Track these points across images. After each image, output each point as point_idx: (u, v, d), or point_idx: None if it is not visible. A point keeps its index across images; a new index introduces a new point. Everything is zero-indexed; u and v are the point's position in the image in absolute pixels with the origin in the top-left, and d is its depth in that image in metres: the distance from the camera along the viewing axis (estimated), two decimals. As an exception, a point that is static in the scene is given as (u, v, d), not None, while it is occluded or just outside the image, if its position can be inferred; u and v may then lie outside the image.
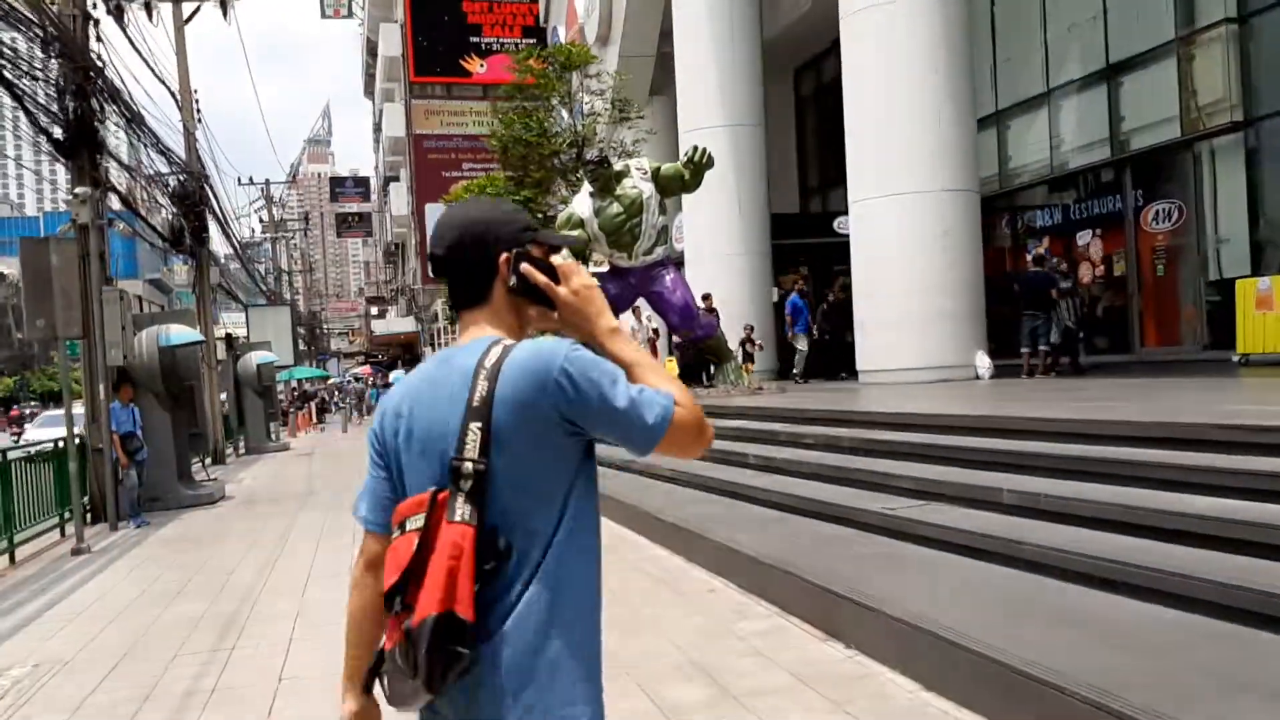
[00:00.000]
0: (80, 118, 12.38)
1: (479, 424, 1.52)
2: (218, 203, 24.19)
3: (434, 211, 37.93)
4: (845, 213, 22.69)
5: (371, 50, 53.79)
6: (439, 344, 32.28)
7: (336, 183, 67.04)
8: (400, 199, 45.55)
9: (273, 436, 27.07)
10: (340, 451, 22.53)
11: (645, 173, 13.32)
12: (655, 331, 19.10)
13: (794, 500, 7.08)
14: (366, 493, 1.79)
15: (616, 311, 14.08)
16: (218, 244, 34.85)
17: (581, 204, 13.22)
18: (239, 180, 49.20)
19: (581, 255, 13.26)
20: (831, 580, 5.07)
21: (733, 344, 15.85)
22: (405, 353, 51.55)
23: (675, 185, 13.46)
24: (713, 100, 19.55)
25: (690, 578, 6.57)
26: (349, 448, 23.79)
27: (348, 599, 1.76)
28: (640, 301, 14.45)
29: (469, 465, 1.52)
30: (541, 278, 1.67)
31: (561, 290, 1.68)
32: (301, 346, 65.81)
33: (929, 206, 13.37)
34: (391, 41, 44.36)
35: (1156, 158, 15.75)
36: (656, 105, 25.26)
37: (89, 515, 11.71)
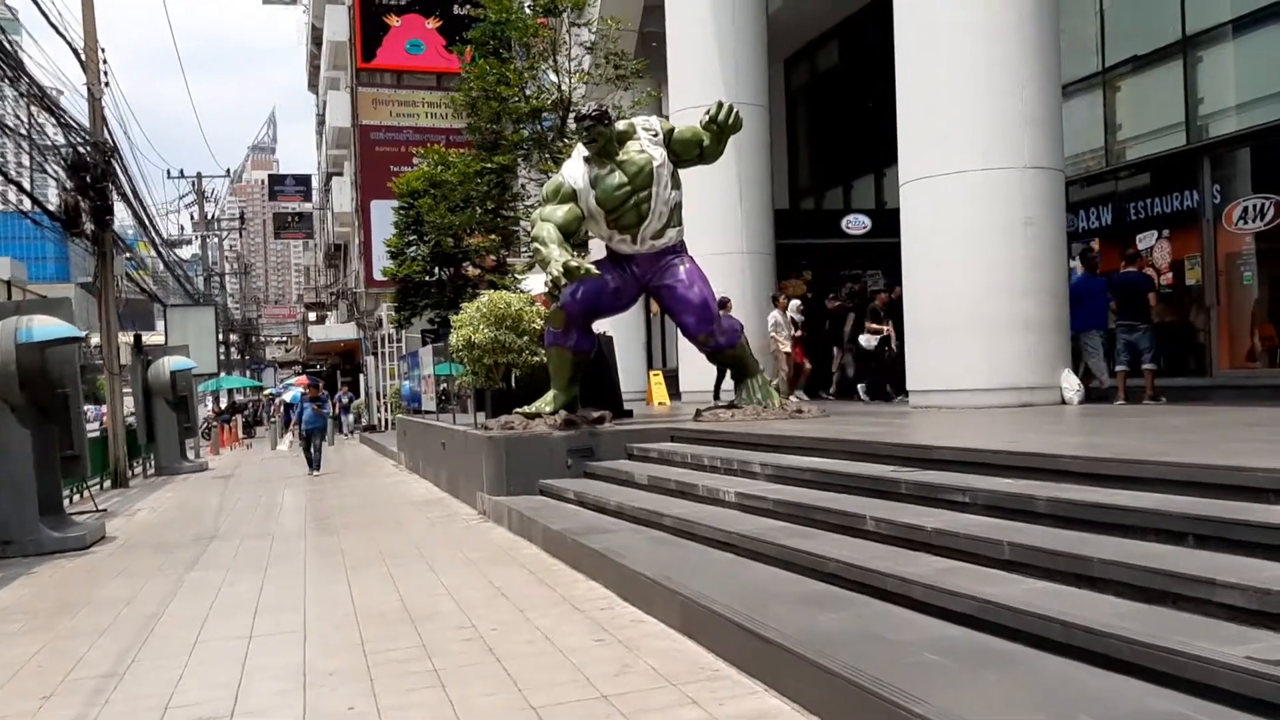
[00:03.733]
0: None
1: None
2: (129, 183, 20.95)
3: (380, 209, 34.70)
4: (846, 212, 20.28)
5: (317, 39, 50.32)
6: (383, 352, 29.04)
7: (276, 180, 63.06)
8: (344, 195, 42.14)
9: (190, 454, 23.75)
10: (265, 475, 19.32)
11: (656, 135, 10.48)
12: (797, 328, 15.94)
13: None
14: None
15: (615, 309, 11.22)
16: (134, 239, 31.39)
17: (575, 171, 10.34)
18: (168, 173, 45.48)
19: (572, 237, 10.37)
20: None
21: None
22: (345, 362, 47.96)
23: (692, 152, 10.65)
24: (711, 75, 16.82)
25: None
26: (276, 470, 20.58)
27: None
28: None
29: None
30: None
31: None
32: (235, 355, 62.09)
33: (1009, 187, 10.68)
34: (338, 25, 40.97)
35: (1245, 144, 13.28)
36: (637, 90, 22.56)
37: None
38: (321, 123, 50.67)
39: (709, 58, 17.03)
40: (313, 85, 56.89)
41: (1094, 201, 15.42)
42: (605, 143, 10.16)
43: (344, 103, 40.50)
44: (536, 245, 9.77)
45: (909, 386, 11.80)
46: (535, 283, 18.35)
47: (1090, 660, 3.40)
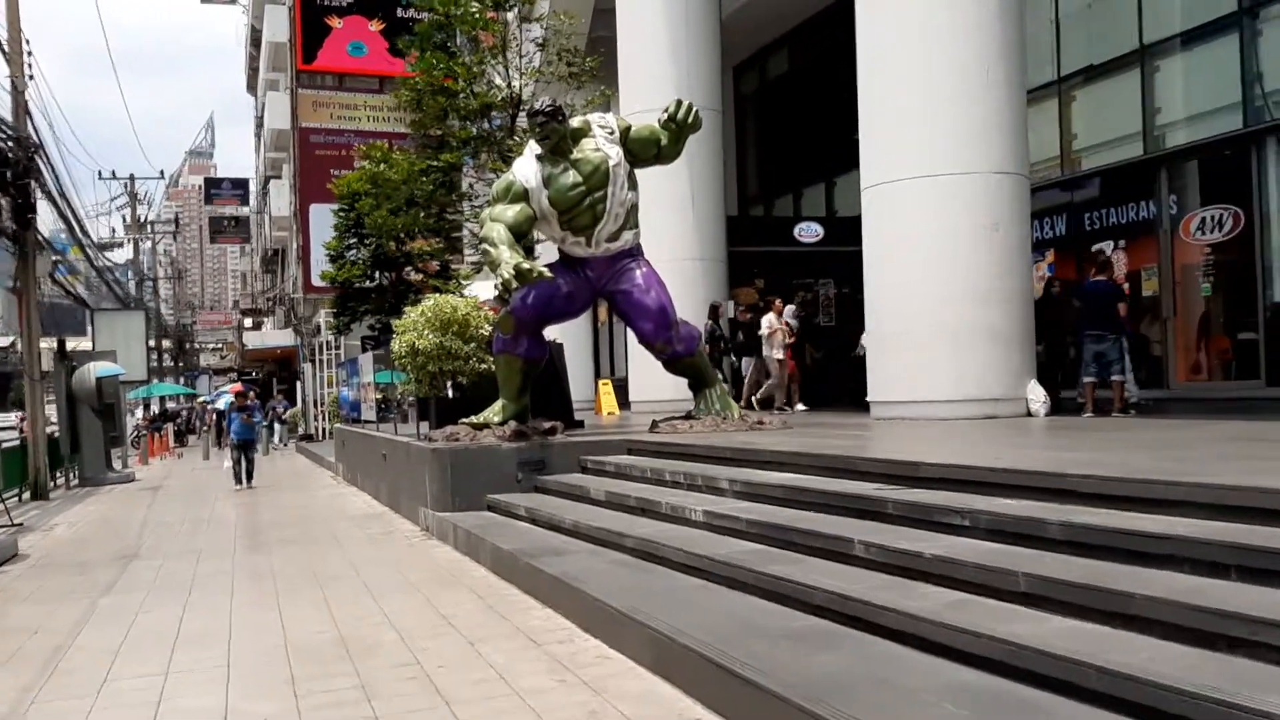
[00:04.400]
0: None
1: None
2: (55, 180, 19.99)
3: (320, 213, 33.78)
4: (798, 220, 19.95)
5: (256, 40, 49.12)
6: (321, 359, 28.17)
7: (212, 183, 61.34)
8: (282, 199, 41.01)
9: (117, 464, 22.73)
10: (196, 485, 18.47)
11: (612, 133, 10.00)
12: (791, 330, 15.49)
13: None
14: None
15: (567, 315, 10.71)
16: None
17: (526, 169, 9.81)
18: (99, 174, 43.99)
19: (524, 239, 9.85)
20: None
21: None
22: (282, 370, 46.74)
23: (650, 152, 10.21)
24: (663, 78, 16.37)
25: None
26: (207, 480, 19.71)
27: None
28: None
29: None
30: None
31: None
32: (169, 361, 60.38)
33: (977, 192, 10.38)
34: (278, 25, 39.83)
35: (1204, 154, 13.15)
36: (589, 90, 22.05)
37: None
38: (260, 125, 49.46)
39: (661, 61, 16.61)
40: (251, 88, 55.59)
41: (1050, 211, 15.21)
42: (559, 140, 9.66)
43: (283, 104, 39.44)
44: (485, 246, 9.23)
45: (869, 397, 11.43)
46: (482, 288, 17.76)
47: (1135, 713, 2.96)
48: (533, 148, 9.95)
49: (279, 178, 44.23)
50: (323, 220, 31.07)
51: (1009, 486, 5.04)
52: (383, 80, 36.73)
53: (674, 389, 16.51)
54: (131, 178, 42.79)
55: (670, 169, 13.12)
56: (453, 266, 22.01)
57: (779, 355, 14.95)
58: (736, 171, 24.69)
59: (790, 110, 23.38)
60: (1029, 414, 10.47)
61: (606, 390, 17.69)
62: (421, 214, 15.13)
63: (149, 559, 9.51)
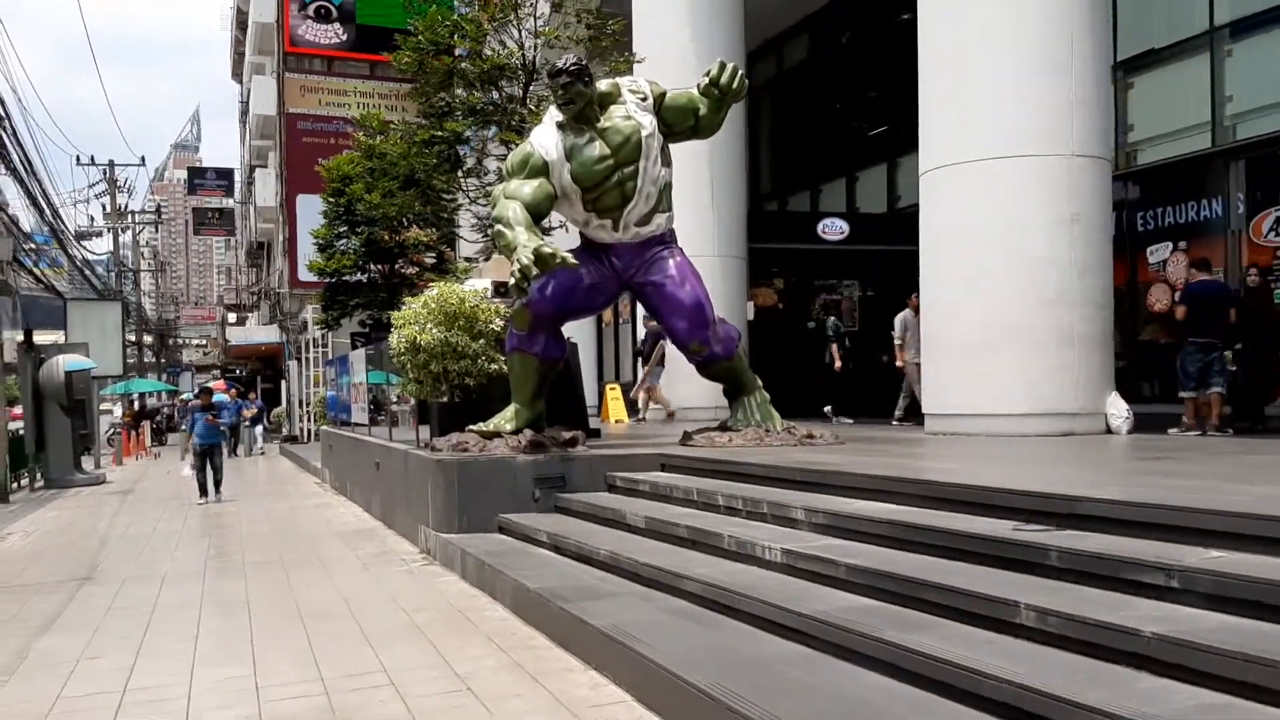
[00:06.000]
0: None
1: None
2: (24, 157, 18.66)
3: (307, 203, 32.42)
4: (818, 216, 18.76)
5: (241, 23, 47.65)
6: (307, 357, 26.81)
7: (196, 173, 59.59)
8: (268, 189, 39.50)
9: (88, 465, 21.35)
10: (170, 492, 17.10)
11: (645, 99, 8.75)
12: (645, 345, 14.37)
13: None
14: None
15: (590, 309, 9.49)
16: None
17: (546, 139, 8.55)
18: (77, 159, 42.49)
19: (541, 220, 8.59)
20: None
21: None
22: (266, 367, 45.22)
23: (686, 122, 8.97)
24: (682, 54, 15.13)
25: None
26: (183, 485, 18.34)
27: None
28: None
29: None
30: None
31: None
32: (150, 357, 58.75)
33: (1055, 177, 9.18)
34: (265, 5, 38.37)
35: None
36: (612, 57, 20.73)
37: None
38: (245, 113, 47.99)
39: (680, 37, 15.37)
40: (236, 74, 54.04)
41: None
42: (584, 105, 8.41)
43: (270, 89, 37.98)
44: (499, 227, 7.97)
45: (925, 409, 10.23)
46: (478, 283, 16.48)
47: None
48: (553, 115, 8.70)
49: (265, 166, 42.75)
50: (310, 211, 29.76)
51: (1215, 533, 3.82)
52: (373, 65, 35.36)
53: (688, 396, 15.37)
54: (111, 164, 41.25)
55: (688, 157, 11.92)
56: (449, 261, 20.72)
57: (916, 360, 13.48)
58: (750, 165, 23.53)
59: (808, 100, 22.21)
60: (1108, 430, 9.27)
61: (615, 396, 16.43)
62: (421, 197, 13.71)
63: (105, 582, 8.22)
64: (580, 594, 5.50)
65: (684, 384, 14.44)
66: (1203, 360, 9.62)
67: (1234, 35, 12.67)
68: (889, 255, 17.35)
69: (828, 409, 14.08)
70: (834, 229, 17.20)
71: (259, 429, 28.37)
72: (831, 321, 14.16)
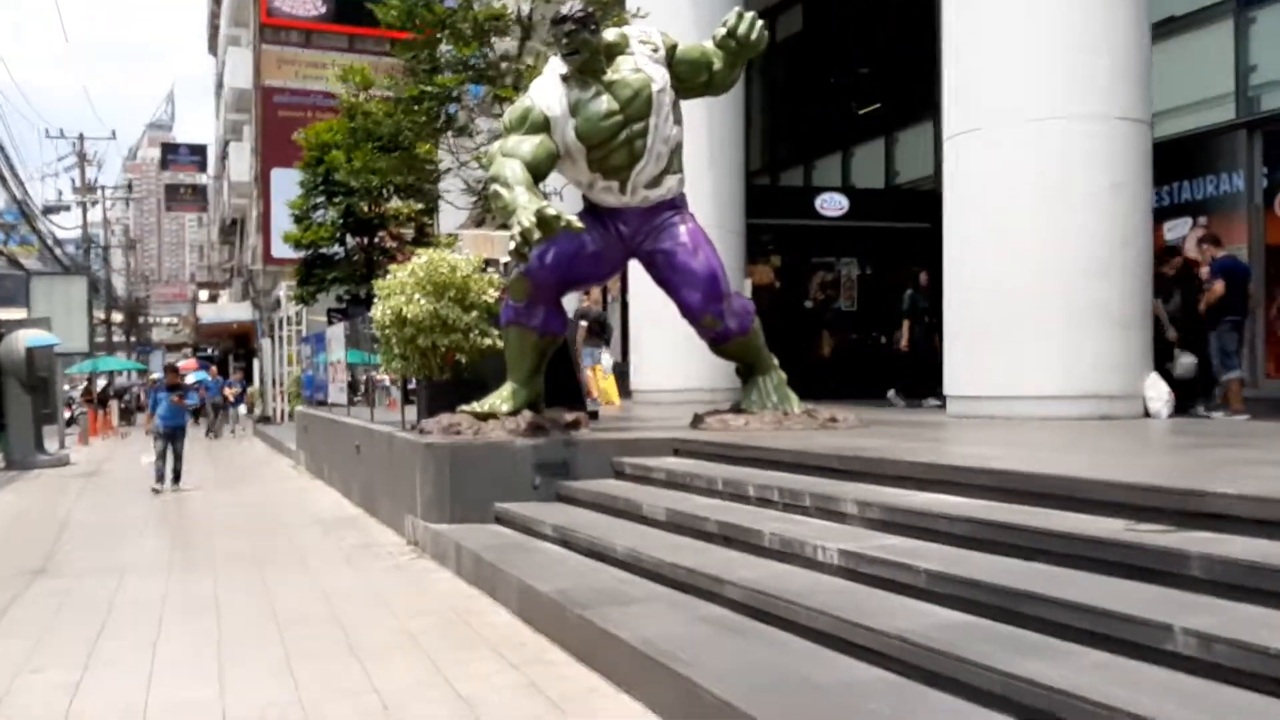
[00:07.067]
0: None
1: None
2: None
3: (283, 178, 31.38)
4: (814, 191, 18.03)
5: (217, -6, 46.38)
6: (281, 335, 25.89)
7: (169, 149, 58.17)
8: (242, 163, 38.36)
9: (54, 445, 20.43)
10: (137, 474, 16.22)
11: (656, 50, 8.00)
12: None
13: None
14: None
15: (593, 279, 8.78)
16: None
17: (548, 92, 7.79)
18: (46, 132, 41.24)
19: (541, 180, 7.80)
20: None
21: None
22: (239, 346, 44.11)
23: (699, 77, 8.22)
24: (679, 8, 14.35)
25: None
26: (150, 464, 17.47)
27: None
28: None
29: None
30: None
31: None
32: (120, 335, 57.44)
33: (1095, 142, 8.49)
34: (241, -27, 37.27)
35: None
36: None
37: None
38: (220, 86, 46.70)
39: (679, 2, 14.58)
40: (212, 48, 52.67)
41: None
42: (590, 55, 7.65)
43: (246, 61, 36.83)
44: (496, 188, 7.21)
45: (947, 391, 9.56)
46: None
47: None
48: (555, 66, 7.93)
49: (239, 141, 41.58)
50: (286, 186, 28.72)
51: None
52: (352, 38, 34.32)
53: (686, 376, 14.64)
54: (81, 137, 39.99)
55: (686, 120, 11.12)
56: (430, 235, 19.84)
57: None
58: (744, 138, 22.79)
59: (803, 71, 21.47)
60: (1146, 414, 8.63)
61: (608, 387, 15.63)
62: (407, 161, 12.82)
63: (59, 576, 7.45)
64: (599, 598, 4.79)
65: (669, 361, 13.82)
66: (1237, 339, 9.08)
67: (1260, 1, 12.07)
68: (890, 232, 16.71)
69: (891, 392, 13.33)
70: (833, 204, 16.50)
71: (241, 408, 27.41)
72: (909, 295, 13.23)
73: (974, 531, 4.18)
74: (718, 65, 8.14)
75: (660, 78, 7.85)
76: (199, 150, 55.70)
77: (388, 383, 11.95)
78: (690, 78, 8.13)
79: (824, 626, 3.86)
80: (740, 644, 3.99)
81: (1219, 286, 9.15)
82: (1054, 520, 4.02)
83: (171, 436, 12.59)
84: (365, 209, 18.54)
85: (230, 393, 26.62)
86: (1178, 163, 12.68)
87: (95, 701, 4.36)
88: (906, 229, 16.78)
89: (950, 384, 9.44)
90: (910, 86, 17.93)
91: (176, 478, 12.67)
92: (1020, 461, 5.01)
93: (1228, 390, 9.02)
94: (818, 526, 4.93)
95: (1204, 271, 9.66)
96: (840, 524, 4.92)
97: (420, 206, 18.81)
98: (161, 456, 12.58)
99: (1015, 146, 8.63)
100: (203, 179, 56.45)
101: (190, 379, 37.02)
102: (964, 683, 3.21)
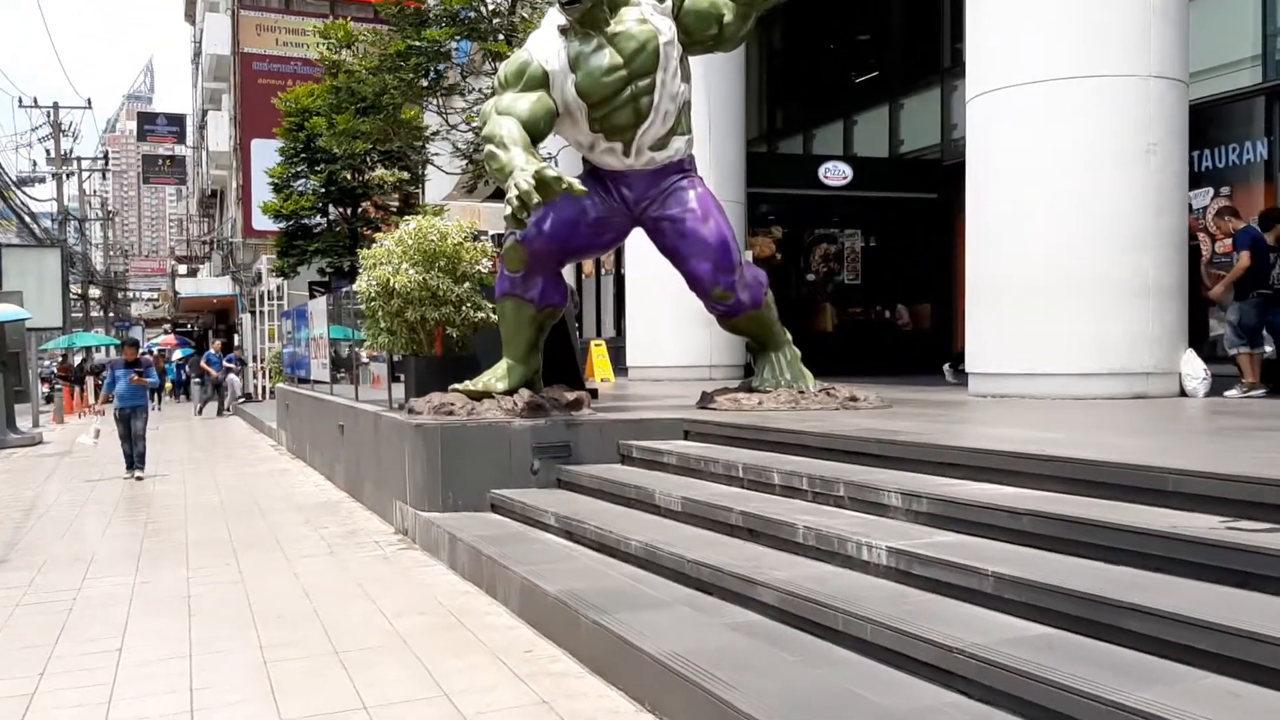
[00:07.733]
0: None
1: None
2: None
3: (263, 148, 30.57)
4: (826, 159, 17.45)
5: (195, -41, 45.23)
6: (261, 310, 25.20)
7: (146, 119, 57.01)
8: (221, 133, 37.47)
9: (27, 423, 19.76)
10: (110, 453, 15.59)
11: (662, 0, 7.44)
12: None
13: None
14: None
15: (594, 248, 8.24)
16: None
17: (546, 46, 7.22)
18: (20, 101, 40.19)
19: (538, 140, 7.23)
20: None
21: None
22: (219, 321, 43.33)
23: (708, 30, 7.66)
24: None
25: None
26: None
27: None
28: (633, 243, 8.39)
29: None
30: None
31: None
32: (98, 311, 56.49)
33: (1130, 101, 7.98)
34: (219, -64, 36.27)
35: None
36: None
37: None
38: (198, 54, 45.63)
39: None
40: (189, 15, 51.51)
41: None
42: (593, 5, 7.07)
43: (224, 27, 35.89)
44: (491, 148, 6.64)
45: (969, 368, 9.07)
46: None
47: None
48: (554, 18, 7.36)
49: (218, 109, 40.63)
50: (266, 156, 27.90)
51: None
52: (333, 4, 33.46)
53: (684, 353, 14.15)
54: (55, 105, 38.99)
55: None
56: (415, 205, 19.20)
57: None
58: (743, 106, 22.20)
59: (803, 36, 20.84)
60: (1183, 393, 8.16)
61: (600, 353, 15.18)
62: (392, 122, 12.15)
63: (21, 566, 6.89)
64: (613, 601, 4.28)
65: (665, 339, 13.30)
66: (1260, 316, 8.58)
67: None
68: (895, 202, 16.21)
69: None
70: (836, 174, 15.96)
71: (238, 381, 26.51)
72: None
73: (1041, 527, 3.67)
74: (729, 17, 7.59)
75: (667, 29, 7.30)
76: (177, 120, 54.59)
77: (364, 358, 11.32)
78: (699, 30, 7.56)
79: (878, 638, 3.35)
80: (781, 658, 3.48)
81: (1245, 258, 8.67)
82: (1139, 516, 3.51)
83: (129, 418, 11.53)
84: (348, 178, 17.89)
85: (231, 368, 25.70)
86: (1198, 130, 12.15)
87: (48, 718, 3.83)
88: (913, 199, 16.30)
89: (973, 361, 8.95)
90: (916, 52, 17.36)
91: (140, 461, 11.67)
92: (1079, 447, 4.50)
93: (1256, 364, 8.51)
94: (856, 520, 4.43)
95: (1225, 244, 9.18)
96: (881, 517, 4.42)
97: (406, 175, 18.17)
98: (125, 438, 11.58)
99: (1038, 105, 8.11)
100: (181, 150, 55.39)
101: (177, 355, 36.29)
102: (1063, 713, 2.70)
